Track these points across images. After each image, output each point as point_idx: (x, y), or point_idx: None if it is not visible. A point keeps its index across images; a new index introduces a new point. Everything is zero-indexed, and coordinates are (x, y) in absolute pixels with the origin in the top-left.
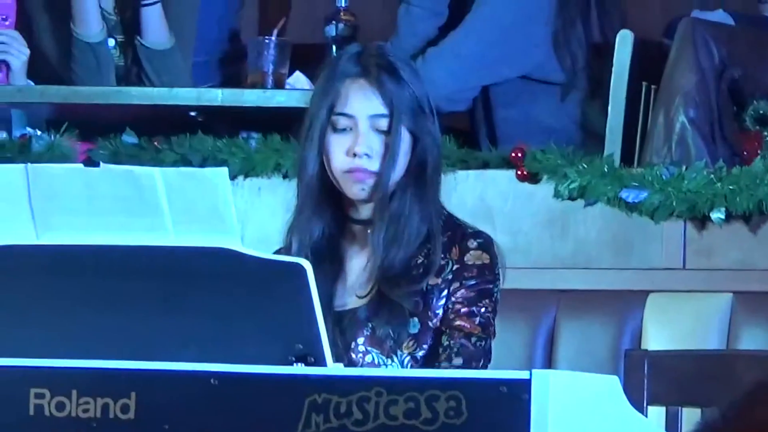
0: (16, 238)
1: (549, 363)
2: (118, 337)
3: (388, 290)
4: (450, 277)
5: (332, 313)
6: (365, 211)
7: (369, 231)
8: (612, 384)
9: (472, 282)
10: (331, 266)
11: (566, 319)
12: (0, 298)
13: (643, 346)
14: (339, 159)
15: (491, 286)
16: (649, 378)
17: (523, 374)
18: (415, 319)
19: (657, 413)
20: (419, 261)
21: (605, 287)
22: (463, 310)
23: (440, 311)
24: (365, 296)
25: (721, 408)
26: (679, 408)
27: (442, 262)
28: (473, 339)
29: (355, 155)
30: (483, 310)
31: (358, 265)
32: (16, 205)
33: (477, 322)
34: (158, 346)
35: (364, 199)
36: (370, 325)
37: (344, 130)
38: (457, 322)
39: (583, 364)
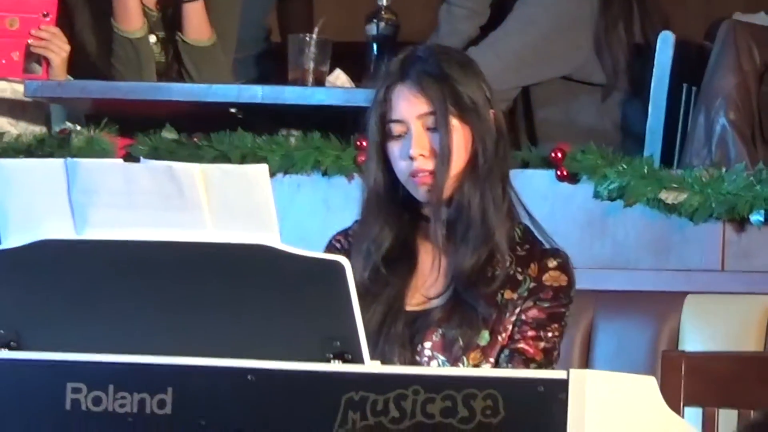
0: (55, 232)
1: (586, 363)
2: (155, 331)
3: (464, 291)
4: (526, 294)
5: (404, 313)
6: None
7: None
8: (649, 384)
9: (546, 304)
10: (404, 267)
11: (604, 320)
12: (39, 292)
13: (680, 347)
14: (400, 165)
15: (563, 309)
16: (686, 379)
17: (561, 374)
18: (486, 331)
19: (694, 414)
20: (496, 272)
21: (643, 288)
22: (530, 332)
23: (510, 326)
24: (439, 296)
25: (763, 409)
26: (716, 409)
27: (519, 278)
28: (532, 365)
29: (412, 158)
30: (550, 334)
31: (431, 264)
32: (55, 200)
33: (541, 347)
34: (195, 341)
35: (431, 199)
36: (440, 331)
37: (400, 135)
38: (521, 345)
39: (620, 364)
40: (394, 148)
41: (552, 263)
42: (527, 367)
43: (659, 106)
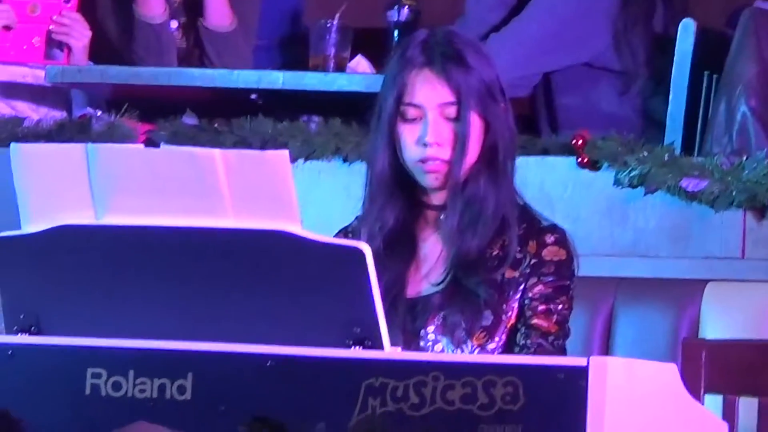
0: (75, 218)
1: (606, 350)
2: (175, 317)
3: (464, 277)
4: (528, 271)
5: (404, 299)
6: (439, 197)
7: (442, 217)
8: (670, 372)
9: (550, 279)
10: (404, 252)
11: (624, 307)
12: (59, 278)
13: (700, 335)
14: (410, 149)
15: (568, 282)
16: (707, 366)
17: (581, 361)
18: (488, 311)
19: (714, 402)
20: (494, 253)
21: (664, 275)
22: (540, 307)
23: (515, 305)
24: (440, 283)
25: None
26: (737, 397)
27: (519, 256)
28: (550, 338)
29: (426, 145)
30: (560, 307)
31: (432, 250)
32: (76, 186)
33: (554, 320)
34: (215, 327)
35: (437, 187)
36: (442, 314)
37: (414, 120)
38: (534, 321)
39: (640, 351)
40: (407, 132)
41: (550, 239)
42: (546, 340)
43: (680, 94)
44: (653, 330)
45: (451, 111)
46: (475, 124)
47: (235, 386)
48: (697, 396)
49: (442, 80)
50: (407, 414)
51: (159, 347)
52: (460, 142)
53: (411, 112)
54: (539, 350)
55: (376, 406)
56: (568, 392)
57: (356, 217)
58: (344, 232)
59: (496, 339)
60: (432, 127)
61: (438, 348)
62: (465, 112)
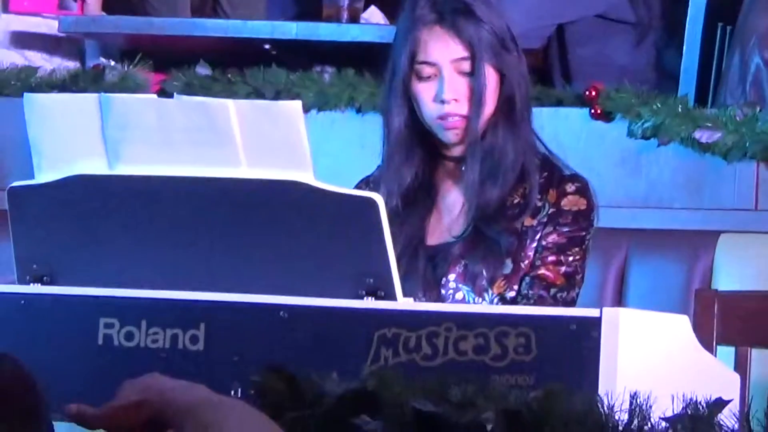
0: (88, 168)
1: (619, 301)
2: (188, 267)
3: (485, 227)
4: (545, 220)
5: (425, 247)
6: (458, 149)
7: (463, 168)
8: (682, 323)
9: (566, 229)
10: (424, 203)
11: (637, 258)
12: (72, 227)
13: (713, 286)
14: (428, 107)
15: (584, 233)
16: (719, 318)
17: (594, 312)
18: (509, 259)
19: (726, 353)
20: (515, 201)
21: (677, 227)
22: (550, 258)
23: (531, 253)
24: (461, 234)
25: None
26: (749, 348)
27: (539, 204)
28: (553, 290)
29: (443, 102)
30: (571, 258)
31: (452, 201)
32: (89, 136)
33: (562, 271)
34: (228, 277)
35: (457, 142)
36: (464, 262)
37: (429, 77)
38: (541, 271)
39: (653, 303)
40: (423, 90)
41: (570, 188)
42: (548, 292)
43: (694, 46)
44: (666, 281)
45: (466, 66)
46: (491, 76)
47: (248, 336)
48: (709, 347)
49: (454, 36)
50: (420, 364)
51: (171, 297)
52: (476, 96)
53: (426, 71)
54: (539, 302)
55: (388, 356)
56: (581, 343)
57: (378, 167)
58: (366, 182)
59: (515, 287)
60: (448, 84)
61: (459, 296)
62: (479, 65)
